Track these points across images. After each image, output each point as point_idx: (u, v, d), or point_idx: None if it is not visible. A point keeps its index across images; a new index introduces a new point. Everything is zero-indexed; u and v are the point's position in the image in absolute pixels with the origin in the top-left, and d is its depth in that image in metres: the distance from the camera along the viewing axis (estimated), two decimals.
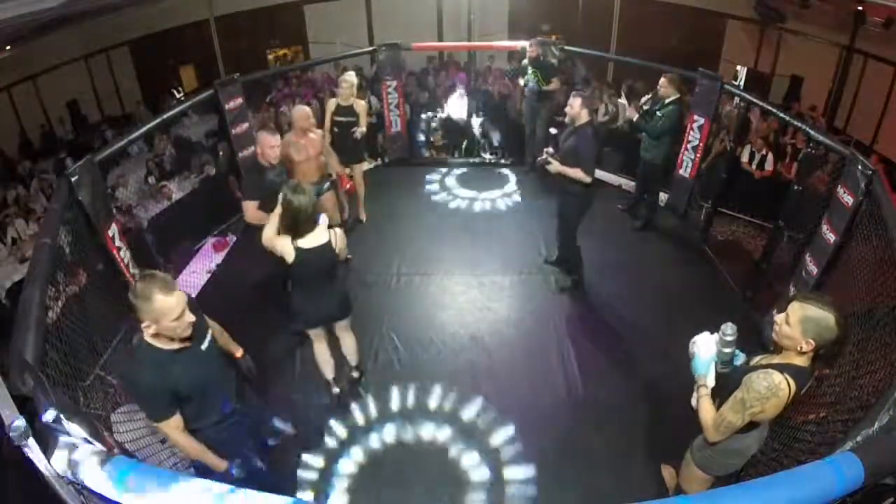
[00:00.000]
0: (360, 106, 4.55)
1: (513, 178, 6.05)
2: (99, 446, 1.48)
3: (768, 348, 1.97)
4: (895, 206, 2.72)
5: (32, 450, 1.34)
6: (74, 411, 1.59)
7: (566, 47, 5.90)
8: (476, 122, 6.81)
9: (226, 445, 2.14)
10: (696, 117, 4.95)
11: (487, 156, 6.68)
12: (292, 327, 3.64)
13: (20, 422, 1.31)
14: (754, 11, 7.98)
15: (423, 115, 7.01)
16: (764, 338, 3.44)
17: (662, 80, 4.60)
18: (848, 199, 3.07)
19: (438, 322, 3.97)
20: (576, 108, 3.68)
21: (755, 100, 4.48)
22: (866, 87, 7.42)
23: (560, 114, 5.07)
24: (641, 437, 3.08)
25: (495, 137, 6.76)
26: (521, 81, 5.81)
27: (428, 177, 6.11)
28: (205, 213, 5.39)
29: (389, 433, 3.13)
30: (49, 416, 1.41)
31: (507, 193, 5.78)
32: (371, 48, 6.32)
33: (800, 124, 4.08)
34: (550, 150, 3.92)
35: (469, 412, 3.27)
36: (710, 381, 2.02)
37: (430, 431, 3.15)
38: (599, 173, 3.95)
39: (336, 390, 3.29)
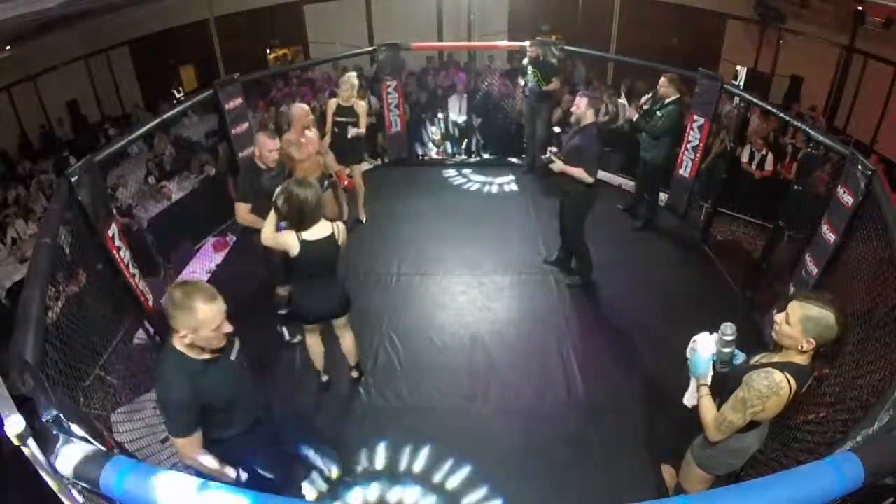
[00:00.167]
0: (361, 107, 4.57)
1: (512, 178, 6.05)
2: (99, 446, 1.48)
3: (768, 348, 1.97)
4: (895, 206, 2.73)
5: (32, 450, 1.33)
6: (74, 411, 1.59)
7: (566, 47, 5.91)
8: (476, 122, 6.81)
9: (247, 455, 2.10)
10: (696, 117, 4.95)
11: (487, 155, 6.68)
12: (284, 322, 3.71)
13: (20, 422, 1.31)
14: (754, 11, 7.98)
15: (423, 116, 7.00)
16: (764, 337, 3.44)
17: (662, 80, 4.60)
18: (848, 199, 3.07)
19: (438, 322, 3.96)
20: (582, 107, 3.68)
21: (755, 100, 4.49)
22: (866, 87, 7.43)
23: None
24: (642, 436, 3.08)
25: (495, 137, 6.75)
26: (522, 81, 5.81)
27: (428, 177, 6.11)
28: (205, 213, 5.38)
29: (388, 435, 3.11)
30: (49, 416, 1.41)
31: (506, 193, 5.78)
32: (371, 48, 6.34)
33: (800, 124, 4.08)
34: (555, 149, 3.92)
35: (469, 412, 3.26)
36: (708, 381, 2.02)
37: (430, 431, 3.13)
38: (600, 173, 3.95)
39: (325, 378, 3.36)
